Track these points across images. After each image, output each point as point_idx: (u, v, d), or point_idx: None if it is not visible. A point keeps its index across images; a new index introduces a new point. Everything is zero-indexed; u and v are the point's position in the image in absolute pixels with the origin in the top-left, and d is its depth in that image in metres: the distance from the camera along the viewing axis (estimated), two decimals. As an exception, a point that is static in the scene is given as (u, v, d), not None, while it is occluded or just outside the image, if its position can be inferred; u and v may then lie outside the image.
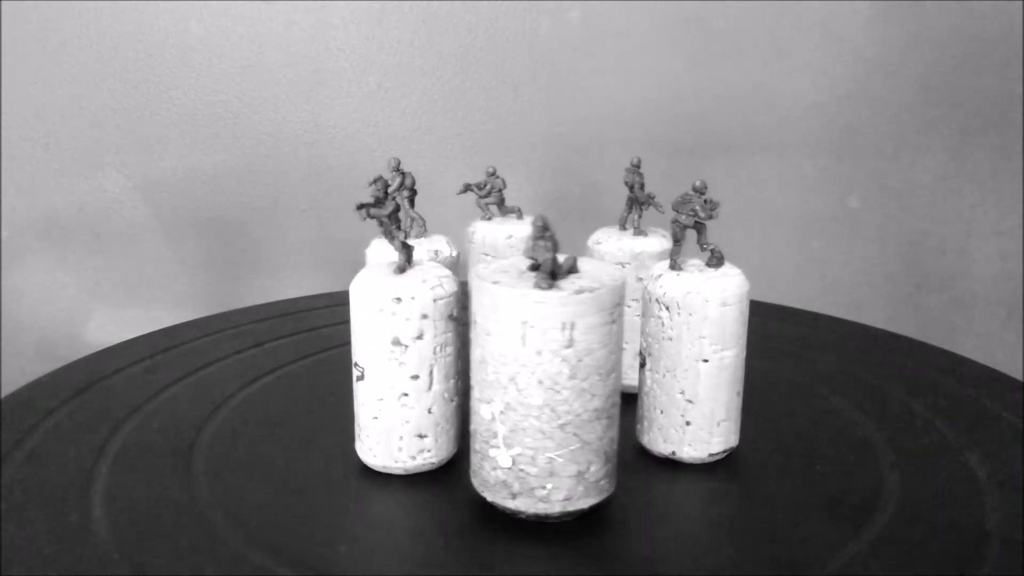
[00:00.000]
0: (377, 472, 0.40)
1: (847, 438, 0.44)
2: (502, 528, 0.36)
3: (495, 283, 0.33)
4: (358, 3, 0.84)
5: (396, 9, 0.85)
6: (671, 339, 0.39)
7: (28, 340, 0.88)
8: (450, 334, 0.39)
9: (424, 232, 0.47)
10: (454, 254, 0.47)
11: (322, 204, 0.88)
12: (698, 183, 0.40)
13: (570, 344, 0.33)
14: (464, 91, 0.87)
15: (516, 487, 0.35)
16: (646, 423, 0.41)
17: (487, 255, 0.49)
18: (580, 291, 0.32)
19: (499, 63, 0.87)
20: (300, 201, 0.88)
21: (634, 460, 0.41)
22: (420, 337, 0.38)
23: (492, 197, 0.51)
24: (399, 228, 0.39)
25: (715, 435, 0.40)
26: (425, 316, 0.37)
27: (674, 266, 0.40)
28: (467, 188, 0.51)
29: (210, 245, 0.88)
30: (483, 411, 0.35)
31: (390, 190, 0.44)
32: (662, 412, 0.40)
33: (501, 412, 0.34)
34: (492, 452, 0.35)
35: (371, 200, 0.39)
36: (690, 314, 0.38)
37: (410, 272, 0.39)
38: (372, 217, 0.39)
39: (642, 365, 0.41)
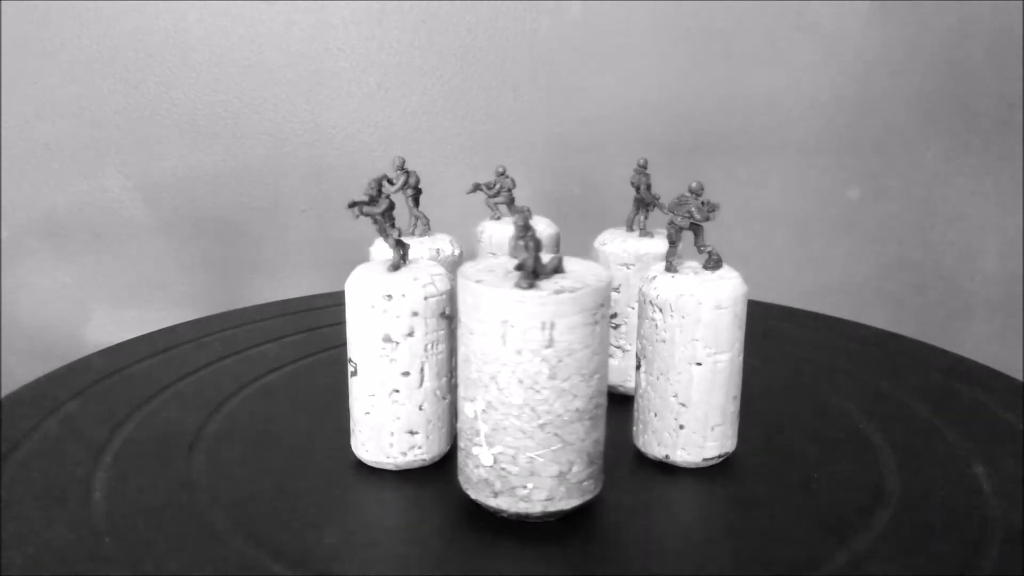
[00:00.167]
0: (370, 468, 0.40)
1: (847, 439, 0.44)
2: (487, 527, 0.36)
3: (478, 282, 0.33)
4: (358, 3, 0.84)
5: (396, 9, 0.85)
6: (664, 341, 0.39)
7: (28, 340, 0.88)
8: (442, 332, 0.39)
9: (428, 231, 0.47)
10: (457, 253, 0.47)
11: (322, 204, 0.88)
12: (694, 184, 0.39)
13: (550, 344, 0.33)
14: (464, 91, 0.87)
15: (498, 486, 0.35)
16: (641, 425, 0.41)
17: (494, 254, 0.49)
18: (560, 291, 0.32)
19: (499, 63, 0.87)
20: (300, 201, 0.88)
21: (629, 463, 0.41)
22: (411, 334, 0.38)
23: (502, 197, 0.51)
24: (393, 226, 0.39)
25: (709, 439, 0.39)
26: (416, 314, 0.38)
27: (670, 268, 0.40)
28: (477, 188, 0.51)
29: (210, 245, 0.88)
30: (467, 409, 0.35)
31: (394, 189, 0.44)
32: (656, 415, 0.40)
33: (483, 411, 0.34)
34: (475, 450, 0.35)
35: (364, 198, 0.39)
36: (683, 316, 0.38)
37: (404, 270, 0.39)
38: (366, 215, 0.39)
39: (637, 367, 0.41)
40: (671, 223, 0.40)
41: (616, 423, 0.42)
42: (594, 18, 0.86)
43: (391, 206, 0.40)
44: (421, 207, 0.47)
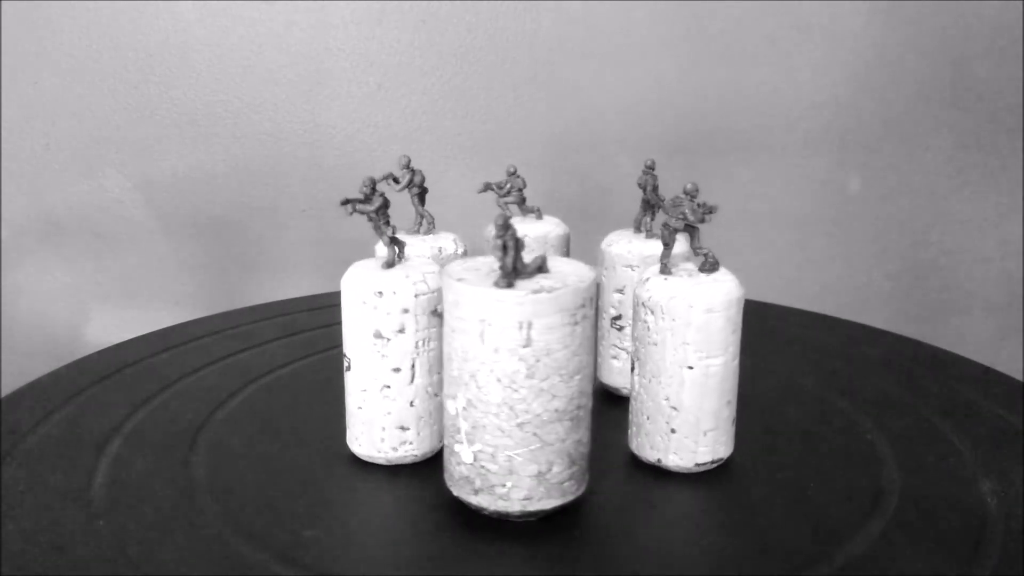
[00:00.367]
0: (364, 462, 0.41)
1: (846, 442, 0.44)
2: (470, 525, 0.36)
3: (459, 280, 0.34)
4: (358, 3, 0.84)
5: (396, 9, 0.85)
6: (656, 344, 0.38)
7: (28, 340, 0.88)
8: (434, 330, 0.39)
9: (432, 229, 0.48)
10: (460, 252, 0.47)
11: (322, 204, 0.88)
12: (689, 186, 0.39)
13: (528, 343, 0.33)
14: (464, 91, 0.87)
15: (478, 483, 0.35)
16: (635, 428, 0.41)
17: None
18: (538, 291, 0.32)
19: (499, 63, 0.87)
20: (300, 201, 0.88)
21: (623, 466, 0.41)
22: (402, 331, 0.38)
23: (512, 196, 0.51)
24: (388, 224, 0.40)
25: (701, 444, 0.39)
26: (406, 311, 0.38)
27: (664, 270, 0.39)
28: (487, 187, 0.51)
29: (210, 245, 0.88)
30: (449, 406, 0.35)
31: (399, 187, 0.45)
32: (648, 418, 0.40)
33: (463, 408, 0.34)
34: (457, 447, 0.35)
35: (360, 196, 0.39)
36: (674, 319, 0.38)
37: (398, 267, 0.39)
38: (360, 212, 0.39)
39: (632, 369, 0.41)
40: (665, 225, 0.39)
41: (617, 425, 0.43)
42: (594, 18, 0.86)
43: (385, 204, 0.40)
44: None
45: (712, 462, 0.40)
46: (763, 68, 0.89)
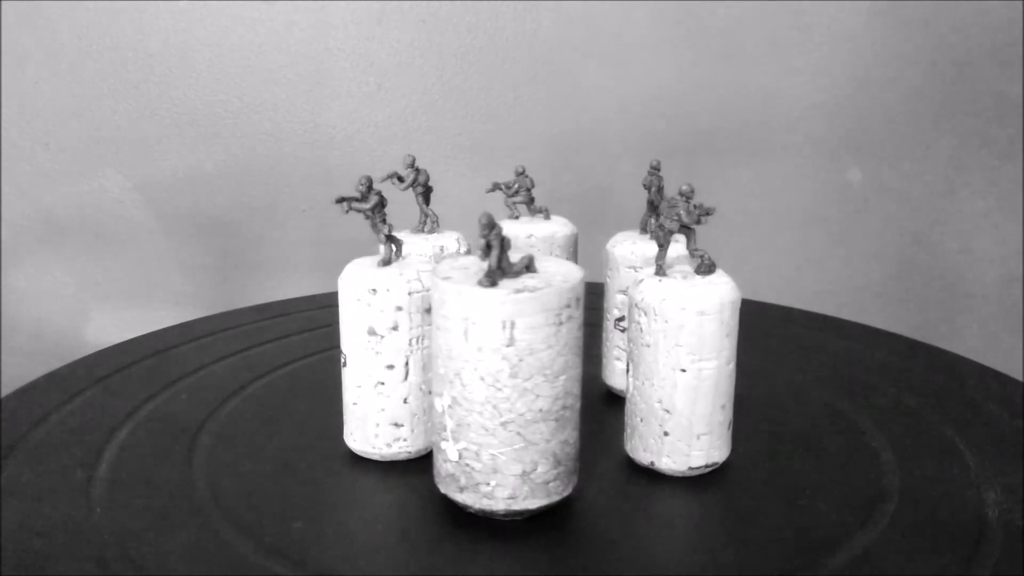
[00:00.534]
0: (359, 458, 0.41)
1: (845, 445, 0.43)
2: (458, 523, 0.36)
3: (445, 279, 0.34)
4: (358, 3, 0.84)
5: (396, 9, 0.85)
6: (648, 346, 0.38)
7: (28, 340, 0.88)
8: (428, 328, 0.39)
9: (437, 228, 0.48)
10: (463, 251, 0.47)
11: (322, 204, 0.88)
12: (684, 187, 0.38)
13: (511, 343, 0.33)
14: (464, 91, 0.87)
15: (463, 481, 0.35)
16: (629, 430, 0.40)
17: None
18: (520, 290, 0.32)
19: (499, 63, 0.87)
20: (300, 201, 0.88)
21: (617, 468, 0.41)
22: (395, 328, 0.39)
23: (520, 196, 0.51)
24: (384, 222, 0.40)
25: (695, 448, 0.39)
26: (400, 308, 0.38)
27: (659, 271, 0.39)
28: (496, 187, 0.51)
29: (210, 245, 0.88)
30: (436, 404, 0.35)
31: (403, 186, 0.45)
32: (642, 420, 0.39)
33: (449, 406, 0.35)
34: (443, 445, 0.35)
35: (356, 194, 0.40)
36: (666, 321, 0.37)
37: (394, 265, 0.40)
38: (356, 211, 0.40)
39: (627, 371, 0.40)
40: (660, 226, 0.39)
41: (617, 427, 0.42)
42: (594, 18, 0.86)
43: (381, 202, 0.40)
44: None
45: (706, 466, 0.39)
46: (763, 68, 0.89)
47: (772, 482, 0.40)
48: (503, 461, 0.34)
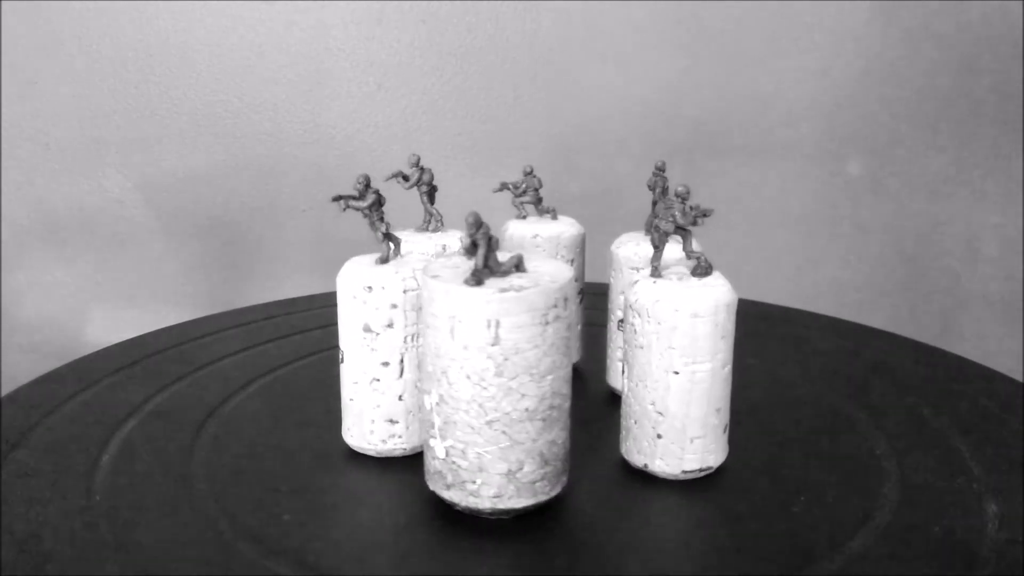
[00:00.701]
0: (356, 454, 0.41)
1: (845, 448, 0.43)
2: (442, 519, 0.36)
3: (433, 277, 0.34)
4: (358, 3, 0.84)
5: (396, 9, 0.85)
6: (642, 347, 0.38)
7: (28, 340, 0.88)
8: (424, 326, 0.39)
9: (441, 227, 0.48)
10: None
11: (322, 204, 0.88)
12: (680, 188, 0.38)
13: (496, 342, 0.33)
14: (464, 91, 0.87)
15: (449, 478, 0.35)
16: (624, 432, 0.40)
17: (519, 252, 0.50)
18: (505, 290, 0.33)
19: (499, 63, 0.87)
20: (300, 201, 0.88)
21: (611, 470, 0.40)
22: (390, 326, 0.39)
23: (528, 196, 0.51)
24: (382, 220, 0.40)
25: (688, 452, 0.38)
26: (395, 306, 0.39)
27: (654, 273, 0.39)
28: (503, 187, 0.51)
29: (210, 245, 0.88)
30: (425, 401, 0.36)
31: (407, 185, 0.46)
32: (636, 422, 0.39)
33: (436, 404, 0.35)
34: (432, 442, 0.36)
35: (355, 193, 0.40)
36: (659, 323, 0.37)
37: (391, 263, 0.40)
38: (353, 209, 0.40)
39: (623, 372, 0.40)
40: (655, 227, 0.39)
41: (616, 429, 0.42)
42: (594, 18, 0.86)
43: (378, 201, 0.40)
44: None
45: (700, 470, 0.39)
46: (763, 68, 0.89)
47: (768, 487, 0.39)
48: (489, 460, 0.34)
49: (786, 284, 0.92)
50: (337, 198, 0.40)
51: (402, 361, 0.40)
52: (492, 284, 0.33)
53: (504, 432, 0.34)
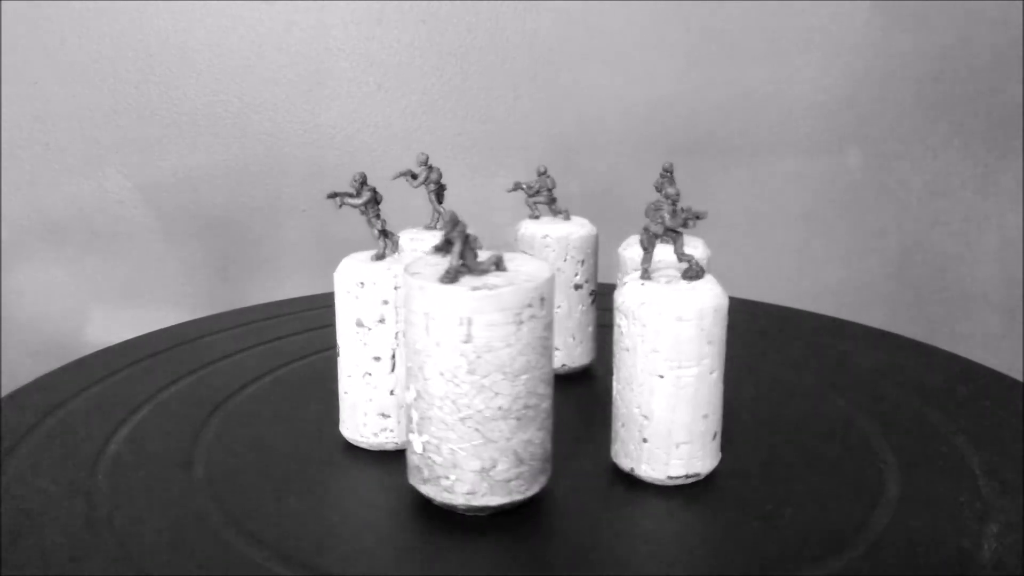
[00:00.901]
0: (351, 446, 0.42)
1: (843, 451, 0.43)
2: (423, 514, 0.36)
3: (413, 274, 0.34)
4: (358, 3, 0.84)
5: (396, 9, 0.85)
6: (627, 350, 0.38)
7: (28, 340, 0.88)
8: None
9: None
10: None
11: (322, 204, 0.87)
12: (670, 190, 0.38)
13: (468, 339, 0.33)
14: (464, 91, 0.87)
15: (426, 473, 0.36)
16: (613, 434, 0.40)
17: (525, 252, 0.50)
18: (479, 288, 0.33)
19: (499, 63, 0.87)
20: (300, 201, 0.88)
21: (599, 473, 0.40)
22: (382, 321, 0.40)
23: (541, 196, 0.51)
24: (378, 217, 0.41)
25: (674, 457, 0.38)
26: (386, 302, 0.40)
27: (644, 275, 0.38)
28: (517, 187, 0.51)
29: (210, 245, 0.88)
30: (406, 396, 0.36)
31: (416, 183, 0.46)
32: (623, 425, 0.39)
33: (415, 399, 0.35)
34: (411, 436, 0.36)
35: (349, 191, 0.41)
36: (643, 326, 0.37)
37: (387, 260, 0.41)
38: (349, 206, 0.41)
39: (612, 375, 0.40)
40: (645, 229, 0.38)
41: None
42: (594, 18, 0.86)
43: (374, 198, 0.41)
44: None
45: (686, 476, 0.38)
46: (763, 68, 0.89)
47: (757, 495, 0.38)
48: (462, 456, 0.34)
49: (786, 284, 0.92)
50: (332, 195, 0.41)
51: (393, 356, 0.40)
52: (467, 282, 0.34)
53: (477, 430, 0.34)
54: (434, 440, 0.35)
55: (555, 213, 0.51)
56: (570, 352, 0.50)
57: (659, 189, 0.46)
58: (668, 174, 0.46)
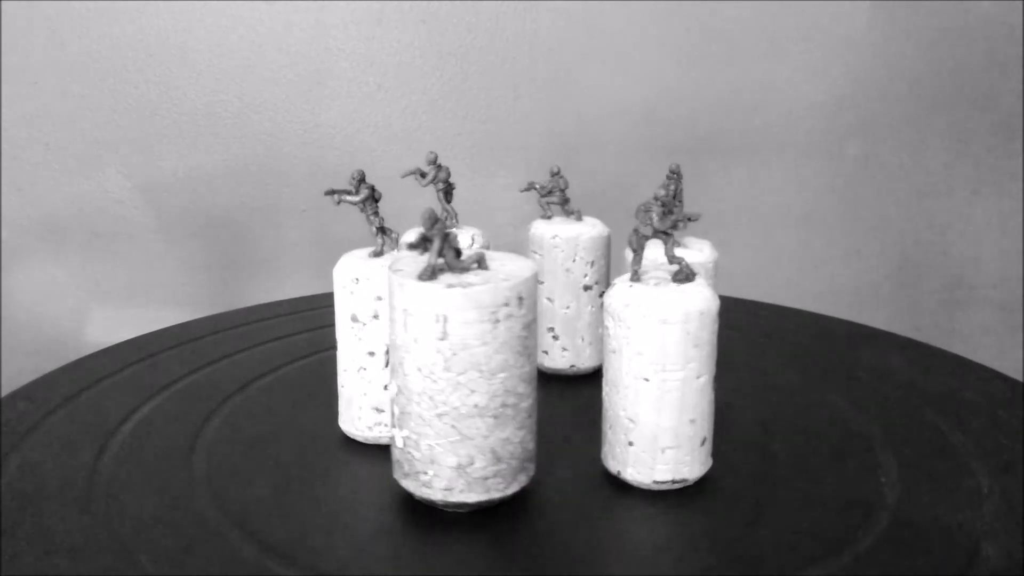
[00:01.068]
0: (348, 440, 0.43)
1: (842, 454, 0.43)
2: (405, 508, 0.37)
3: (395, 271, 0.35)
4: (358, 3, 0.84)
5: (396, 9, 0.85)
6: (614, 352, 0.38)
7: (28, 340, 0.88)
8: None
9: (456, 224, 0.48)
10: (477, 246, 0.48)
11: (322, 204, 0.88)
12: (661, 192, 0.37)
13: (444, 336, 0.33)
14: (464, 91, 0.87)
15: (406, 468, 0.36)
16: (602, 437, 0.40)
17: (535, 252, 0.50)
18: (453, 286, 0.33)
19: (499, 63, 0.87)
20: (300, 201, 0.88)
21: (588, 474, 0.40)
22: (376, 317, 0.40)
23: (554, 196, 0.51)
24: (375, 214, 0.42)
25: (660, 462, 0.37)
26: (379, 298, 0.40)
27: (634, 277, 0.38)
28: (530, 186, 0.52)
29: (210, 245, 0.88)
30: (390, 391, 0.36)
31: (424, 182, 0.47)
32: (611, 428, 0.39)
33: (396, 394, 0.36)
34: (393, 431, 0.36)
35: (347, 188, 0.41)
36: (628, 328, 0.37)
37: (384, 257, 0.41)
38: (347, 203, 0.41)
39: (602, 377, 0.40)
40: (635, 230, 0.38)
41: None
42: (594, 18, 0.86)
43: (372, 196, 0.41)
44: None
45: (673, 481, 0.38)
46: (763, 68, 0.89)
47: (749, 499, 0.38)
48: (439, 452, 0.35)
49: (786, 284, 0.92)
50: (330, 192, 0.41)
51: (387, 351, 0.40)
52: (445, 280, 0.34)
53: (454, 426, 0.34)
54: (413, 435, 0.35)
55: (568, 214, 0.51)
56: (579, 353, 0.50)
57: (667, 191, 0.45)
58: (674, 175, 0.45)
